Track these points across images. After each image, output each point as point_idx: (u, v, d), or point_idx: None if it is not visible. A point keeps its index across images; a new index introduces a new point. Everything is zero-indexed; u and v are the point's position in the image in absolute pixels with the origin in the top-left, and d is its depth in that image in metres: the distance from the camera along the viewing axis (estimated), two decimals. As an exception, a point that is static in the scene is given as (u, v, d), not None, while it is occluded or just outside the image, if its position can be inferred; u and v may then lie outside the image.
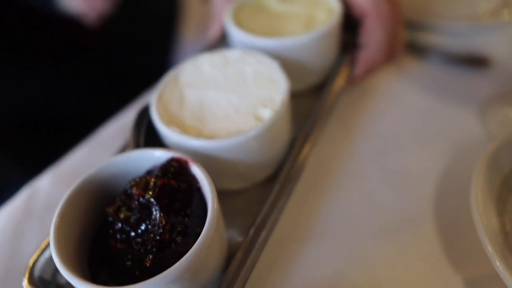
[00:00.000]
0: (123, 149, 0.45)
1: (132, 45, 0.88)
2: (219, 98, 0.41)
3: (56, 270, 0.38)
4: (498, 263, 0.34)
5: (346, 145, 0.51)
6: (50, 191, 0.49)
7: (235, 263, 0.35)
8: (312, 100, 0.51)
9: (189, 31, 0.93)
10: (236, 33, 0.49)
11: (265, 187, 0.43)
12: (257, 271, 0.38)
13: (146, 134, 0.43)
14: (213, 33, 0.57)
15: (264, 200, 0.40)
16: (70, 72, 0.79)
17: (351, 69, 0.53)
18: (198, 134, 0.38)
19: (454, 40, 0.65)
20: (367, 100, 0.56)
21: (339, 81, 0.50)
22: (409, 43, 0.63)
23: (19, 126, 0.74)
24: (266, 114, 0.38)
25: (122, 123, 0.57)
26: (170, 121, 0.40)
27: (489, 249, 0.35)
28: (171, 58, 0.93)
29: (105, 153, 0.52)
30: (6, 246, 0.44)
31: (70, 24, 0.78)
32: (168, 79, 0.44)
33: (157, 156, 0.35)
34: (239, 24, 0.51)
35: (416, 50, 0.62)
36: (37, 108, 0.75)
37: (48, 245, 0.38)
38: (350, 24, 0.53)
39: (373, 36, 0.50)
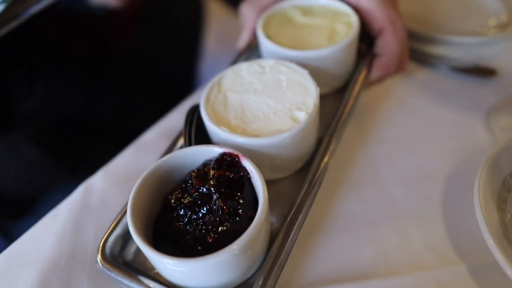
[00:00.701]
0: (169, 150, 0.50)
1: (160, 51, 0.93)
2: (258, 102, 0.48)
3: (122, 248, 0.45)
4: (498, 253, 0.38)
5: (362, 147, 0.56)
6: (103, 188, 0.55)
7: (277, 243, 0.41)
8: (335, 102, 0.57)
9: (212, 38, 0.99)
10: (268, 45, 0.56)
11: (297, 177, 0.50)
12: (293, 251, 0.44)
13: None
14: (243, 42, 0.64)
15: (296, 188, 0.46)
16: (103, 79, 0.85)
17: (367, 74, 0.60)
18: (243, 132, 0.45)
19: (463, 51, 0.69)
20: (381, 107, 0.61)
21: (358, 85, 0.57)
22: (420, 54, 0.68)
23: (60, 131, 0.79)
24: (302, 116, 0.45)
25: (163, 127, 0.62)
26: (218, 121, 0.46)
27: (490, 241, 0.39)
28: (196, 63, 0.99)
29: (149, 154, 0.57)
30: (69, 235, 0.50)
31: (103, 31, 0.84)
32: (212, 84, 0.50)
33: (214, 151, 0.42)
34: (269, 35, 0.58)
35: (427, 61, 0.67)
36: (75, 113, 0.80)
37: (115, 227, 0.44)
38: (364, 35, 0.60)
39: (388, 47, 0.57)
